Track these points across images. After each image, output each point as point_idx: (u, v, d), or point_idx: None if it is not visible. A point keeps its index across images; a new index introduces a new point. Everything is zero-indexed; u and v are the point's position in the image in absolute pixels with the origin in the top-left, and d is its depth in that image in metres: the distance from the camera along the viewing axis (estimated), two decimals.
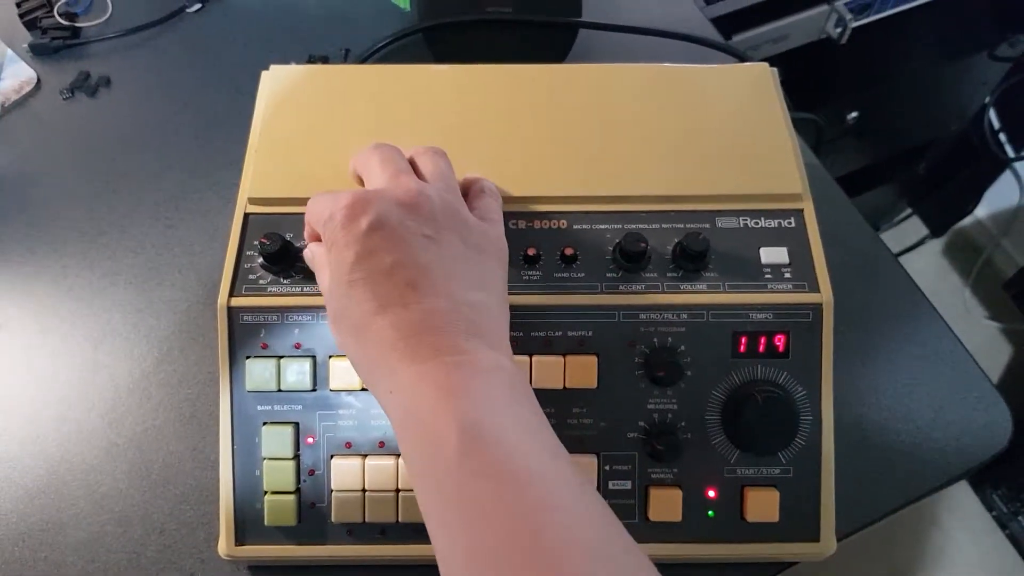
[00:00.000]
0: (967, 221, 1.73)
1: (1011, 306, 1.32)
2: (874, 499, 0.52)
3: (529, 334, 0.46)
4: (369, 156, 0.44)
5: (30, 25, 0.73)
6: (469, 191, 0.46)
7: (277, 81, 0.54)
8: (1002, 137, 1.42)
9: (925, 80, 1.22)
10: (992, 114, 1.36)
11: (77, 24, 0.74)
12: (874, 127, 1.25)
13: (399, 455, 0.46)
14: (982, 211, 1.70)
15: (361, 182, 0.46)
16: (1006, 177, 1.56)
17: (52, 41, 0.72)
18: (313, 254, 0.44)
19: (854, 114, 1.18)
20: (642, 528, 0.46)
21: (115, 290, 0.59)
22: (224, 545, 0.47)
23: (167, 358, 0.56)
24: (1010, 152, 1.44)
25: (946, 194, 1.61)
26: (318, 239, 0.42)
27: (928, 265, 1.74)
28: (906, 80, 1.20)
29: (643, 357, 0.46)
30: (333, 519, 0.46)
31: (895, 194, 1.64)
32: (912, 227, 1.74)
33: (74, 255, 0.61)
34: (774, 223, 0.49)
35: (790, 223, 0.49)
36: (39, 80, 0.71)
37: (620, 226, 0.48)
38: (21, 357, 0.57)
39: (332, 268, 0.39)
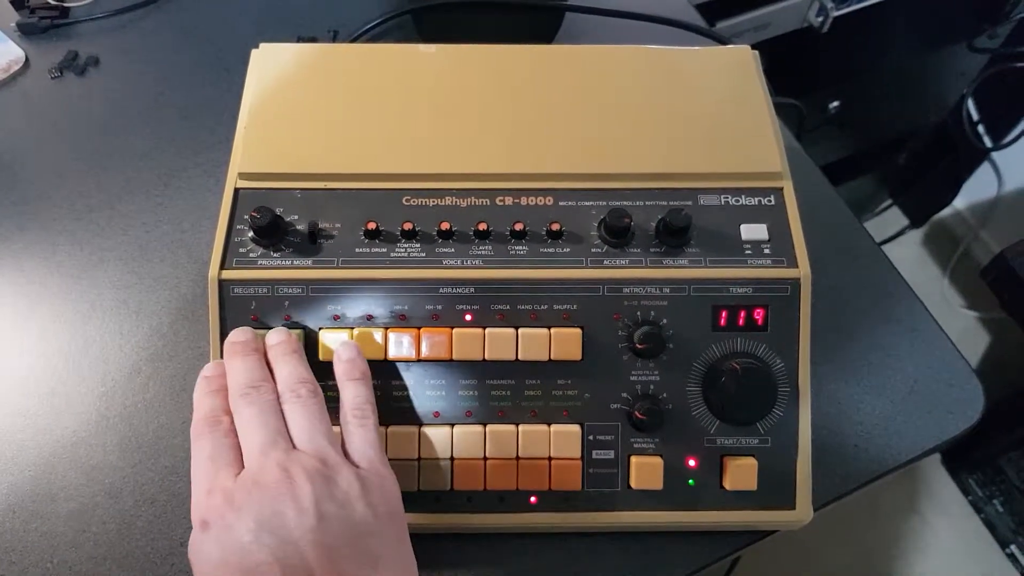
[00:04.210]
0: (946, 212, 1.75)
1: (988, 296, 1.34)
2: (850, 470, 0.53)
3: (516, 307, 0.47)
4: (240, 404, 0.42)
5: (18, 4, 0.73)
6: (342, 420, 0.44)
7: (267, 59, 0.55)
8: (980, 128, 1.44)
9: (905, 70, 1.24)
10: (971, 105, 1.38)
11: (65, 4, 0.74)
12: (855, 117, 1.26)
13: (387, 425, 0.47)
14: (961, 202, 1.72)
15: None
16: (984, 168, 1.58)
17: (40, 20, 0.72)
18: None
19: (835, 103, 1.20)
20: (624, 496, 0.48)
21: (105, 266, 0.60)
22: None
23: (157, 333, 0.57)
24: (988, 143, 1.46)
25: (926, 185, 1.63)
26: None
27: (907, 255, 1.77)
28: (886, 70, 1.21)
29: (626, 330, 0.48)
30: None
31: (875, 184, 1.66)
32: (892, 217, 1.76)
33: (63, 232, 0.61)
34: (754, 201, 0.50)
35: (770, 201, 0.50)
36: (27, 59, 0.71)
37: (605, 203, 0.50)
38: (11, 332, 0.57)
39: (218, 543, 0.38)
